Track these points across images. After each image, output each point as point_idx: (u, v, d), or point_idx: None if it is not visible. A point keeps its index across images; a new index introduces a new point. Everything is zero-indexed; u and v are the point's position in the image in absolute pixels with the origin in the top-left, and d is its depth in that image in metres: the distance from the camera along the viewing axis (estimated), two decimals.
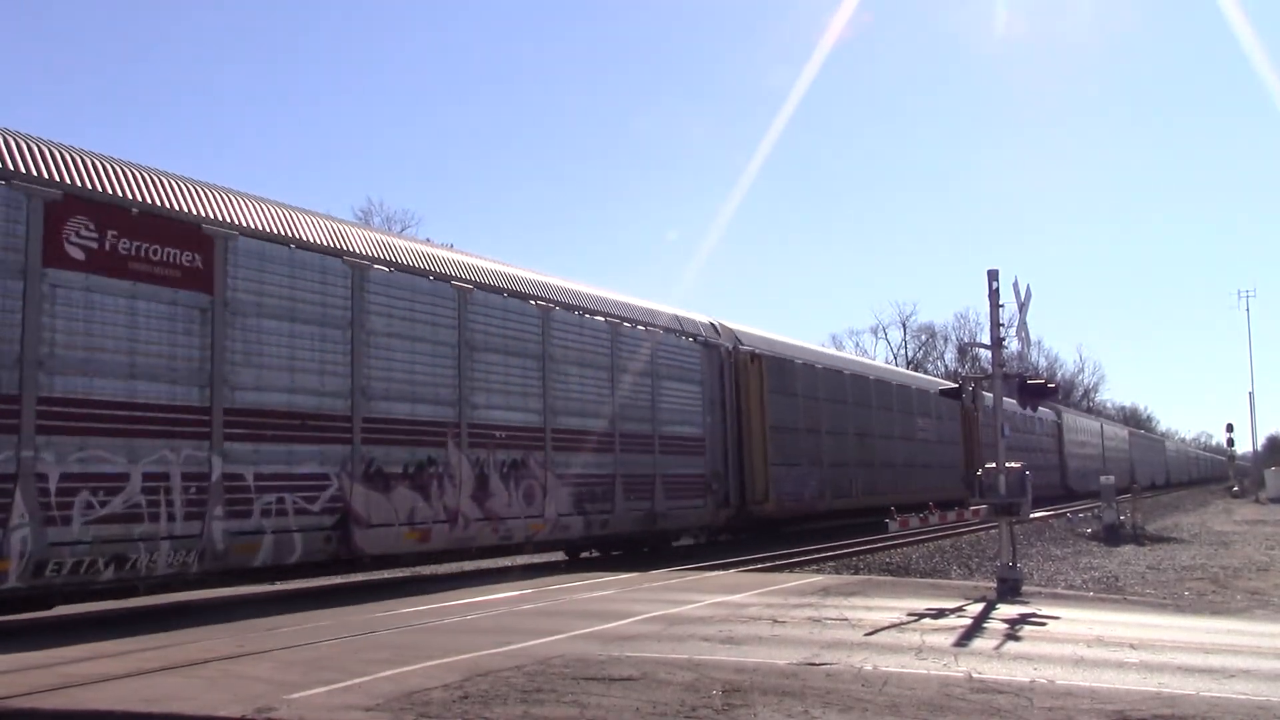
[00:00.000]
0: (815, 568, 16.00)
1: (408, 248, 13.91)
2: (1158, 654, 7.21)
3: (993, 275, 11.71)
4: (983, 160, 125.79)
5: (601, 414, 16.47)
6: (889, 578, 14.68)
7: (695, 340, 19.63)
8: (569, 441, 15.66)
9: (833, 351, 26.40)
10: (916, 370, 65.20)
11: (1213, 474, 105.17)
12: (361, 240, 12.96)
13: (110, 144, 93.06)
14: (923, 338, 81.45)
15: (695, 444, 19.19)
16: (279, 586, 13.58)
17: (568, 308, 16.12)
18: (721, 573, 14.15)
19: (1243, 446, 70.47)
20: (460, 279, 14.07)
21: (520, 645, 7.47)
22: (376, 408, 12.45)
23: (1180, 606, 11.13)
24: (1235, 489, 56.89)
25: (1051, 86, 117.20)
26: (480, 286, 14.36)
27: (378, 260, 12.84)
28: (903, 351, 79.24)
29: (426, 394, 13.25)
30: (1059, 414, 48.48)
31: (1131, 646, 7.45)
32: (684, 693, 5.77)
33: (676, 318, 19.45)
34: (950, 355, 79.65)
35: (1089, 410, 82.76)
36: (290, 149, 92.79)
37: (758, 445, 20.93)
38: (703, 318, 20.69)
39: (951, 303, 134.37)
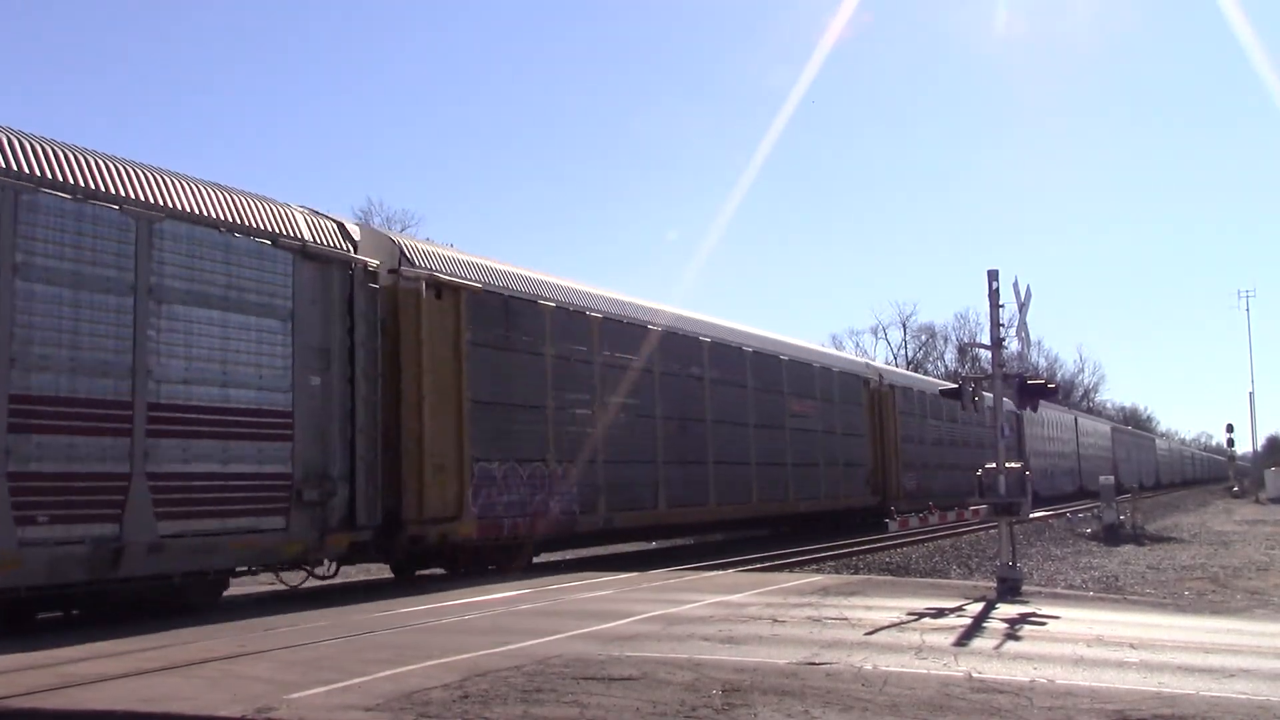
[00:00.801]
0: (815, 567, 16.02)
1: None
2: (1158, 653, 7.21)
3: (993, 275, 11.72)
4: (983, 160, 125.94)
5: None
6: (889, 577, 14.70)
7: (276, 244, 11.56)
8: None
9: (633, 299, 19.11)
10: (916, 370, 65.09)
11: (1210, 474, 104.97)
12: None
13: (110, 143, 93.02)
14: (923, 338, 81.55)
15: (267, 422, 11.30)
16: (278, 586, 13.57)
17: None
18: (721, 572, 14.15)
19: (1243, 446, 70.65)
20: None
21: (519, 645, 7.47)
22: None
23: (1180, 606, 11.14)
24: (1235, 489, 56.96)
25: (1051, 86, 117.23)
26: None
27: None
28: (903, 351, 79.37)
29: None
30: None
31: (1131, 646, 7.45)
32: (684, 692, 5.77)
33: (227, 197, 11.27)
34: (950, 355, 79.76)
35: (1089, 410, 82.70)
36: (290, 149, 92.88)
37: (443, 429, 13.75)
38: (326, 218, 12.73)
39: (951, 303, 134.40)
